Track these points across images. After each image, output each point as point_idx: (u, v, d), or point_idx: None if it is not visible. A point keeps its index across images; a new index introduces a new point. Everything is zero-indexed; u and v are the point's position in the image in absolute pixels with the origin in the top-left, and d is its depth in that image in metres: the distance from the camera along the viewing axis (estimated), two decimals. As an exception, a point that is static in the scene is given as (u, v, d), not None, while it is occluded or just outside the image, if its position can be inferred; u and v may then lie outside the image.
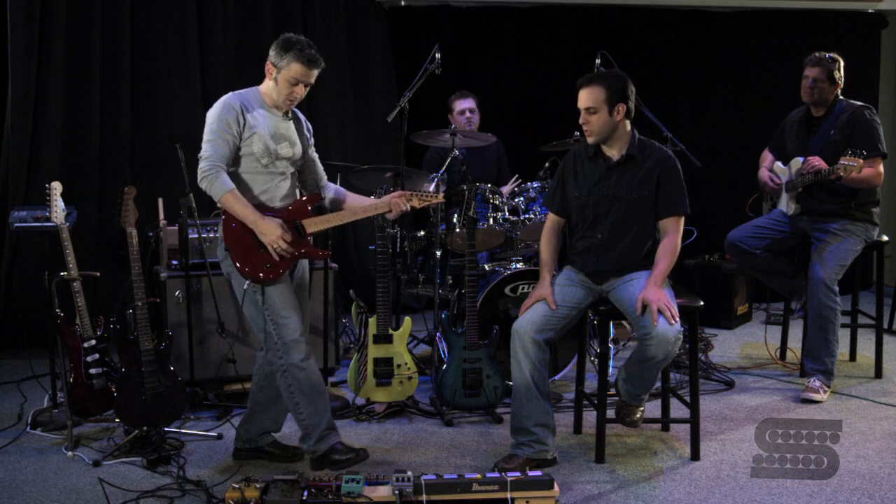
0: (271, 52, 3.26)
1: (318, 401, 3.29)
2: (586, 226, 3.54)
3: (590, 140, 3.48)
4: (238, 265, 3.21)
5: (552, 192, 3.68)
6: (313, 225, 3.34)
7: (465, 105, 5.30)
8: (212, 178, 3.17)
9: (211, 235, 4.21)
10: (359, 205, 3.48)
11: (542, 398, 3.40)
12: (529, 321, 3.41)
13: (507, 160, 5.56)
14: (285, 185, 3.36)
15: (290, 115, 3.39)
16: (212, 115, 3.26)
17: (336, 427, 3.36)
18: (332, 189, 3.54)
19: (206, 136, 3.24)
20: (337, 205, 3.49)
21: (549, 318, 3.43)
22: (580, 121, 3.46)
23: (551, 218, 3.67)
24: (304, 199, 3.40)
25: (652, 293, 3.29)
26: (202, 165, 3.20)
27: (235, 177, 3.25)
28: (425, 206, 3.56)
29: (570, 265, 3.62)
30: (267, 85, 3.32)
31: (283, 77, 3.24)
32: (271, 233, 3.20)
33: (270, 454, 3.52)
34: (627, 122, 3.46)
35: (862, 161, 4.03)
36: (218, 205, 3.25)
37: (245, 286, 3.21)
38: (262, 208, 3.26)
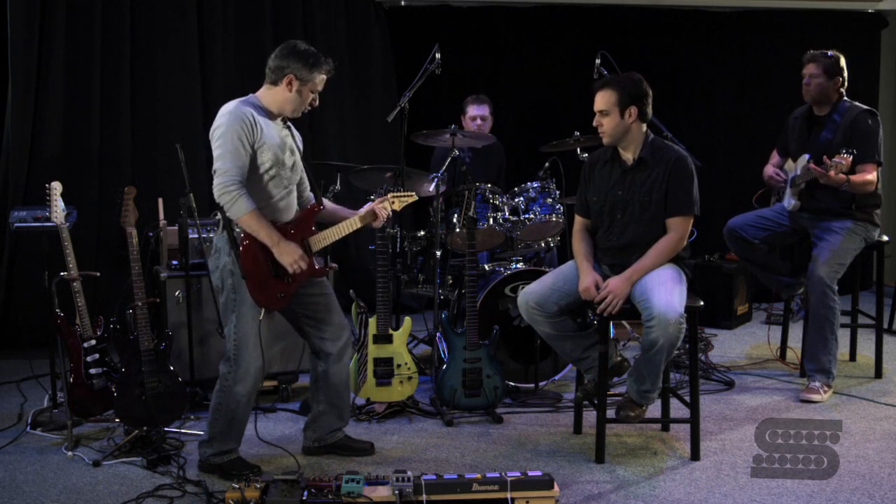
0: (293, 64, 3.20)
1: (235, 429, 3.35)
2: (605, 229, 3.62)
3: (605, 141, 3.58)
4: (254, 295, 3.21)
5: (579, 197, 3.77)
6: (317, 242, 3.34)
7: (477, 112, 5.30)
8: (236, 195, 3.09)
9: (211, 235, 4.21)
10: (342, 215, 3.46)
11: (573, 337, 3.62)
12: (532, 291, 3.60)
13: (507, 165, 5.56)
14: (290, 198, 3.36)
15: (285, 122, 3.37)
16: (223, 125, 3.14)
17: (238, 451, 3.40)
18: (312, 199, 3.51)
19: (219, 149, 3.13)
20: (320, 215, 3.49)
21: (553, 292, 3.57)
22: (594, 123, 3.56)
23: (579, 220, 3.75)
24: (305, 212, 3.37)
25: (613, 283, 3.43)
26: (222, 180, 3.10)
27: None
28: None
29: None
30: (282, 95, 3.24)
31: (308, 88, 3.25)
32: (291, 254, 3.20)
33: (342, 448, 3.56)
34: (643, 125, 3.54)
35: (850, 158, 4.02)
36: (232, 221, 3.18)
37: (261, 315, 3.24)
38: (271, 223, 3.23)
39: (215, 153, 3.15)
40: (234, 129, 3.13)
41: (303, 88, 3.24)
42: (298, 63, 3.22)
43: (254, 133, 3.16)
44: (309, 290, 3.39)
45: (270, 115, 3.28)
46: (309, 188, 3.51)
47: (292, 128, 3.43)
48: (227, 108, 3.19)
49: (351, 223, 3.40)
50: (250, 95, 3.31)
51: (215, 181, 3.13)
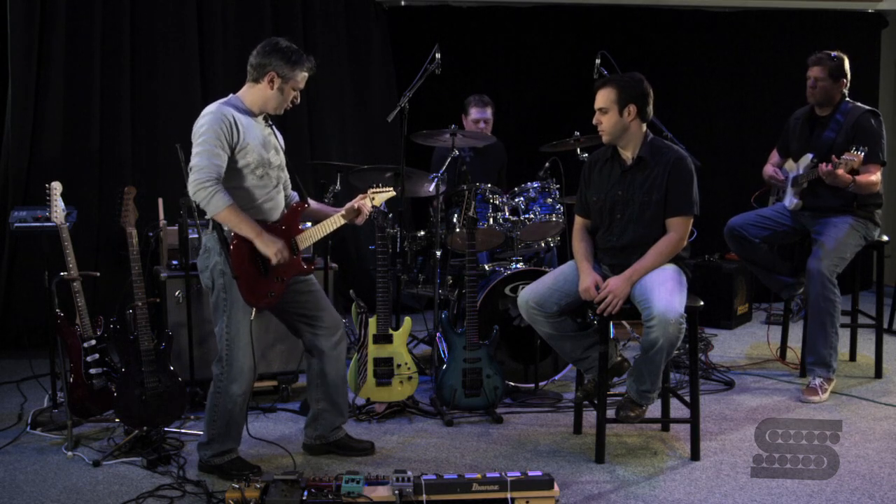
0: (275, 62, 3.22)
1: (233, 429, 3.35)
2: (605, 229, 3.62)
3: (604, 139, 3.58)
4: (244, 295, 3.20)
5: (579, 197, 3.77)
6: (304, 241, 3.35)
7: (480, 115, 5.30)
8: (212, 190, 3.09)
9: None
10: (326, 213, 3.47)
11: (573, 337, 3.61)
12: (532, 291, 3.59)
13: (507, 168, 5.56)
14: (278, 197, 3.37)
15: (267, 122, 3.37)
16: (203, 125, 3.16)
17: (237, 451, 3.40)
18: (295, 196, 3.54)
19: (198, 147, 3.14)
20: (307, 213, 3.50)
21: (553, 292, 3.56)
22: (593, 120, 3.57)
23: (579, 220, 3.75)
24: (291, 211, 3.39)
25: (613, 283, 3.43)
26: (197, 176, 3.09)
27: (232, 191, 3.18)
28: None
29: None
30: (263, 93, 3.26)
31: (290, 86, 3.26)
32: (274, 245, 3.19)
33: (343, 447, 3.56)
34: (642, 125, 3.55)
35: (861, 156, 4.02)
36: (213, 218, 3.18)
37: (252, 315, 3.25)
38: (260, 223, 3.24)
39: (194, 151, 3.16)
40: (213, 129, 3.14)
41: (285, 86, 3.25)
42: (280, 61, 3.23)
43: (233, 135, 3.17)
44: (297, 287, 3.40)
45: (252, 115, 3.29)
46: (292, 186, 3.52)
47: (274, 127, 3.43)
48: (209, 109, 3.21)
49: (334, 220, 3.41)
50: (231, 96, 3.32)
51: (190, 178, 3.13)
